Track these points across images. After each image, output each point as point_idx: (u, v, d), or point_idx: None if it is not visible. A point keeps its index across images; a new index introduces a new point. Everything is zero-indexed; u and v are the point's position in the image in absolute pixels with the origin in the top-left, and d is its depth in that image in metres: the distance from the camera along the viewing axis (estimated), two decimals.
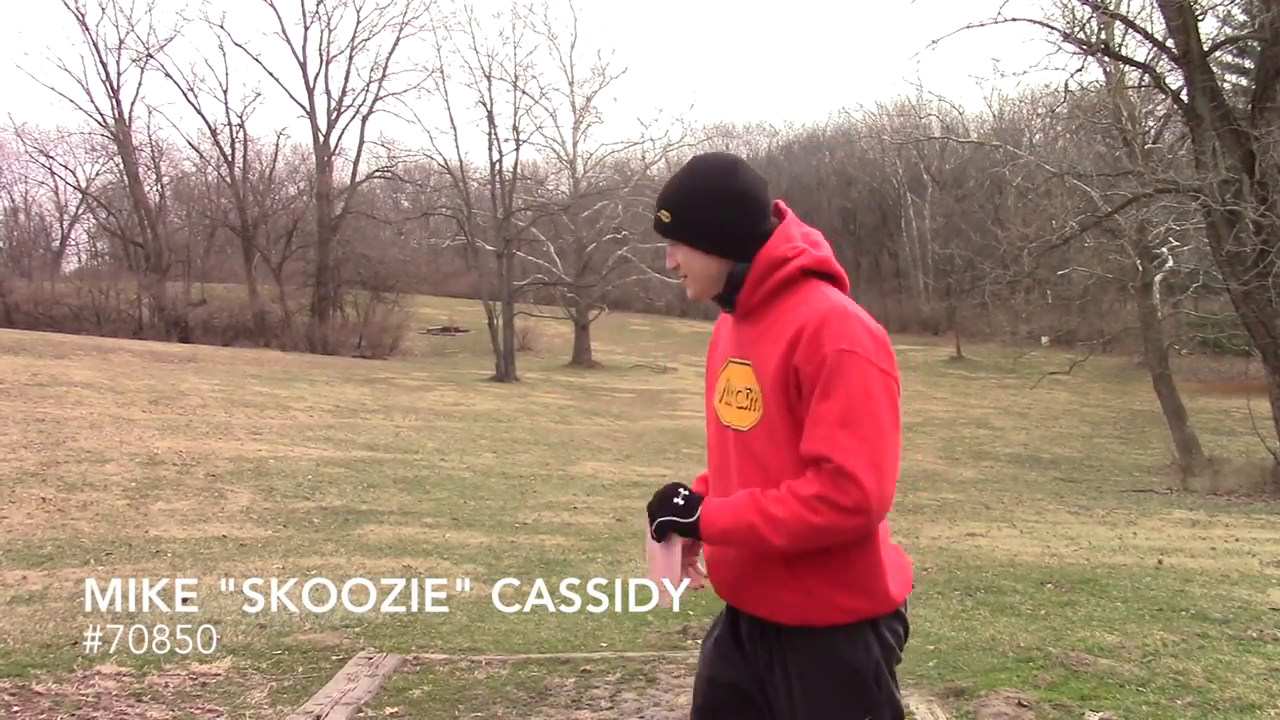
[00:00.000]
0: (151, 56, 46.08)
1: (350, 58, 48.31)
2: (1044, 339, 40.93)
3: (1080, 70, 23.76)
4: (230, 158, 48.07)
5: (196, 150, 50.79)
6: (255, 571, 7.58)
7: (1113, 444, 27.29)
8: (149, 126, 68.66)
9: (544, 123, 54.50)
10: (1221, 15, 20.93)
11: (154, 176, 51.14)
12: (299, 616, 6.11)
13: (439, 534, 9.73)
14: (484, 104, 39.46)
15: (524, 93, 40.47)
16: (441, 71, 45.29)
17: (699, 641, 5.66)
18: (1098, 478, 20.98)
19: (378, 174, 54.41)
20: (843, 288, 2.39)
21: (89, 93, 76.11)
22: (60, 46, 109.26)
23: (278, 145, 52.15)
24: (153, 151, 50.28)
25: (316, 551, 8.54)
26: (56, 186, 55.22)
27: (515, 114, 40.26)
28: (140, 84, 76.90)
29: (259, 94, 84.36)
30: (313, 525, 9.99)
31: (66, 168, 53.29)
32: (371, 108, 48.63)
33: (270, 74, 76.97)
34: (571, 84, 45.59)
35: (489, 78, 39.51)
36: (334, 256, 47.03)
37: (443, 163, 44.01)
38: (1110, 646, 5.38)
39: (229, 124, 48.06)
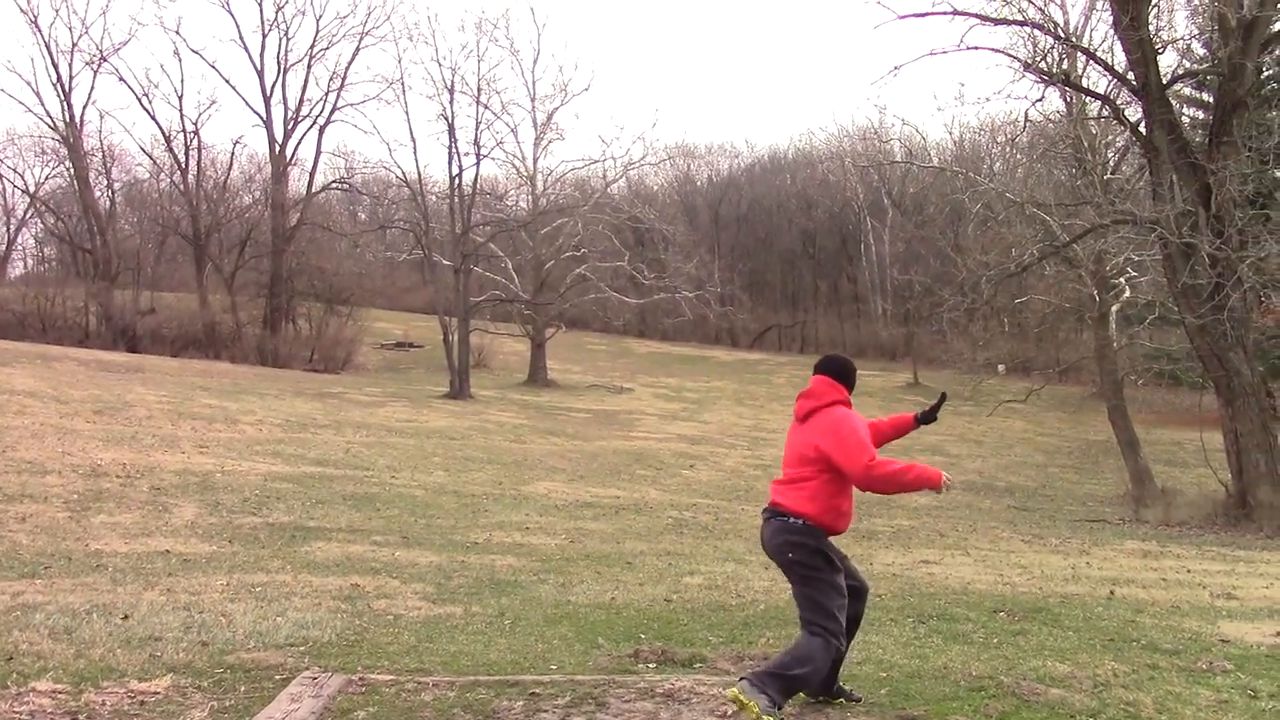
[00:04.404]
0: (105, 60, 45.67)
1: (308, 66, 48.04)
2: (1001, 367, 41.41)
3: (1041, 100, 24.20)
4: (184, 165, 47.62)
5: (149, 156, 50.36)
6: (199, 587, 7.50)
7: (1067, 473, 27.56)
8: (101, 131, 68.17)
9: (505, 138, 54.73)
10: (1181, 49, 21.35)
11: (105, 182, 50.70)
12: (242, 634, 6.05)
13: (388, 552, 9.66)
14: (445, 117, 39.34)
15: (486, 107, 40.43)
16: (402, 83, 44.93)
17: (650, 665, 5.66)
18: (1052, 507, 21.18)
19: (334, 185, 54.20)
20: None
21: (39, 95, 75.49)
22: (10, 48, 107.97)
23: (233, 154, 51.96)
24: (104, 157, 49.85)
25: (262, 568, 8.46)
26: (4, 190, 54.59)
27: (476, 128, 40.14)
28: (93, 88, 76.28)
29: (214, 101, 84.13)
30: (259, 541, 9.89)
31: (15, 171, 52.77)
32: (329, 118, 48.44)
33: (226, 81, 76.83)
34: (533, 99, 45.69)
35: (451, 90, 39.45)
36: (288, 268, 46.68)
37: (401, 175, 43.89)
38: (1062, 676, 5.42)
39: (183, 131, 47.60)
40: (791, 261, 68.87)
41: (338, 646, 5.93)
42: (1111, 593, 8.90)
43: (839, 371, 5.10)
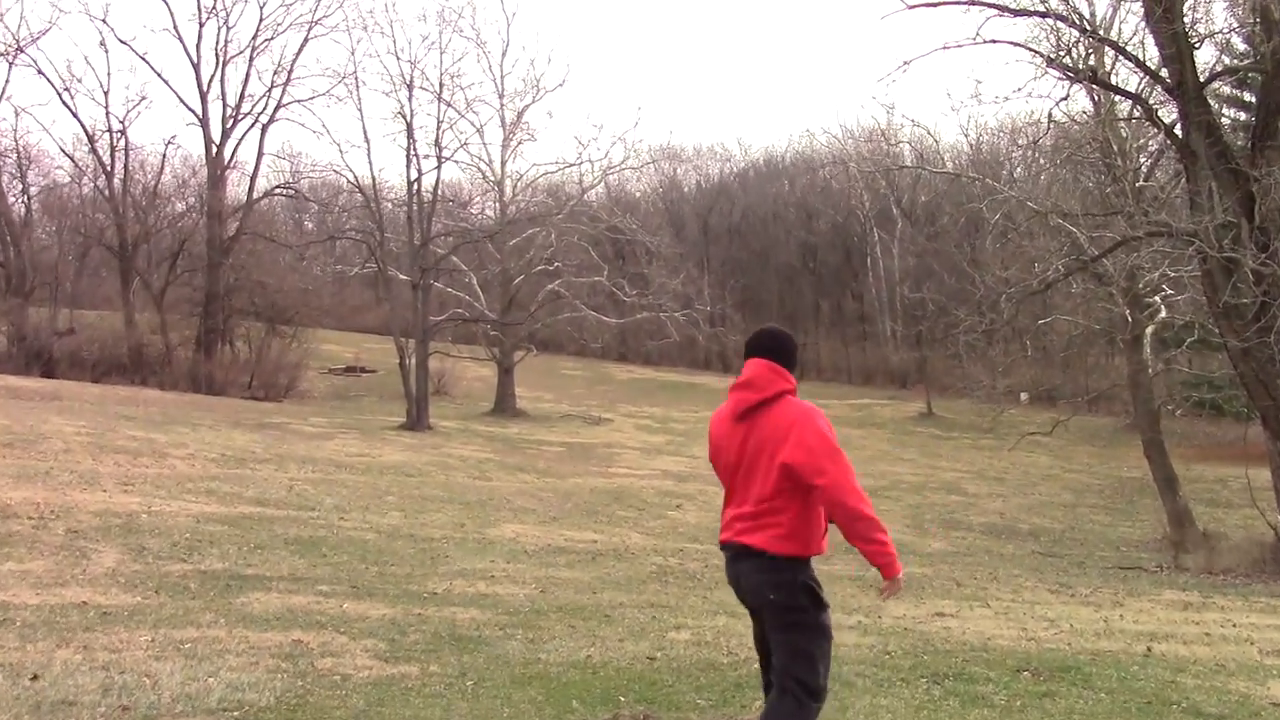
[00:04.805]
0: (22, 51, 45.56)
1: (250, 59, 48.08)
2: (1023, 396, 41.56)
3: (1066, 99, 24.33)
4: (109, 168, 47.42)
5: (70, 158, 50.32)
6: (120, 644, 7.41)
7: (1098, 514, 27.64)
8: (16, 130, 67.53)
9: (470, 139, 54.60)
10: (1220, 44, 21.48)
11: (20, 187, 50.54)
12: (169, 697, 5.98)
13: (335, 604, 9.59)
14: (403, 115, 39.39)
15: (448, 104, 40.51)
16: (356, 77, 44.77)
17: None
18: (1081, 552, 21.22)
19: (278, 191, 54.24)
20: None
21: None
22: None
23: (164, 156, 51.53)
24: (19, 158, 49.66)
25: (192, 622, 8.38)
26: None
27: (438, 128, 40.18)
28: (7, 81, 75.39)
29: (144, 97, 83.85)
30: (189, 591, 9.80)
31: None
32: (273, 116, 48.49)
33: (158, 75, 76.81)
34: (501, 96, 45.77)
35: (409, 86, 39.48)
36: (225, 283, 46.59)
37: (353, 180, 43.84)
38: None
39: (109, 130, 47.42)
40: (790, 277, 69.15)
41: (277, 712, 5.86)
42: (1149, 649, 8.89)
43: (782, 350, 4.91)
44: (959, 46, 18.66)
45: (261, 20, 48.48)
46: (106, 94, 68.55)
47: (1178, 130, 18.44)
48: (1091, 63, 20.10)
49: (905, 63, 19.47)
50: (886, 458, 36.41)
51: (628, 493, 24.24)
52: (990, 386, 32.80)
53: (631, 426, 41.56)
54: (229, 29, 48.36)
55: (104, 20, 68.12)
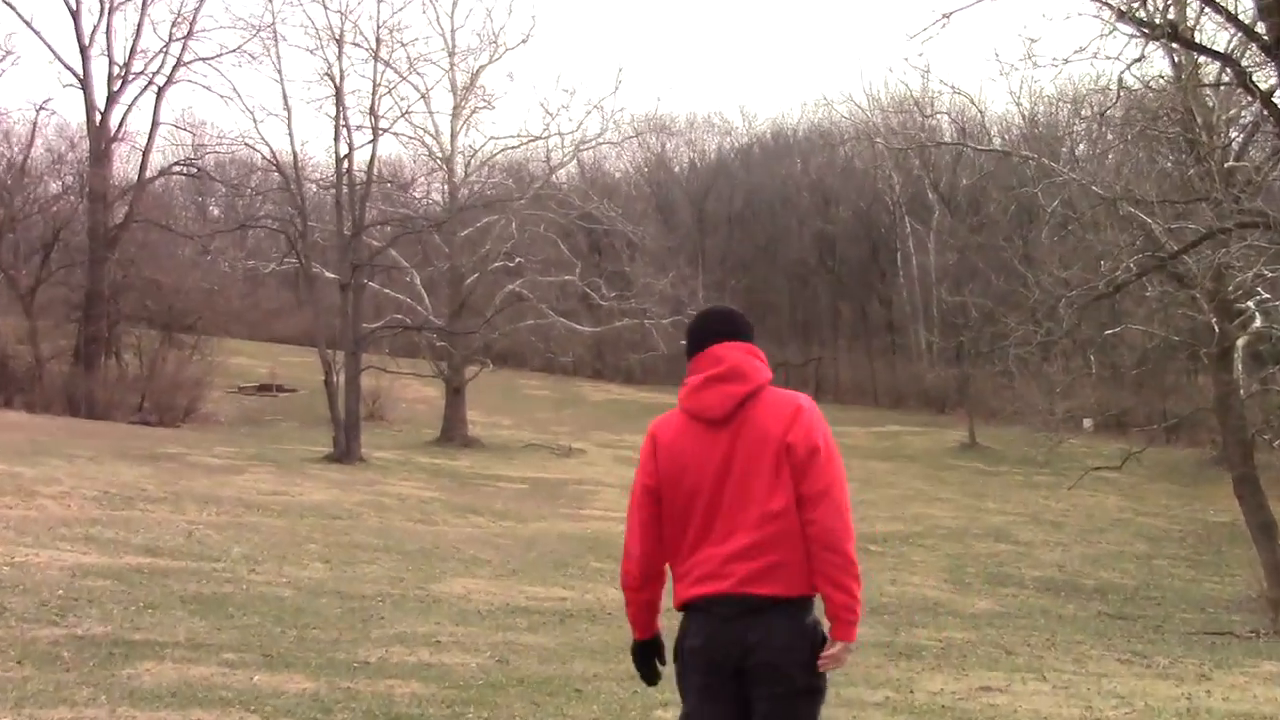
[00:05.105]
0: None
1: (143, 6, 47.88)
2: (1087, 422, 41.55)
3: (1140, 60, 24.31)
4: None
5: None
6: None
7: (1178, 567, 27.67)
8: None
9: (413, 106, 54.26)
10: None
11: None
12: None
13: (244, 676, 9.57)
14: (331, 77, 39.33)
15: (387, 64, 40.54)
16: (274, 30, 44.53)
17: None
18: (1158, 614, 21.23)
19: (177, 169, 53.88)
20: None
21: None
22: None
23: (35, 124, 51.19)
24: None
25: (65, 700, 8.33)
26: None
27: (373, 92, 40.14)
28: None
29: (9, 52, 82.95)
30: (62, 662, 9.75)
31: None
32: (171, 77, 48.27)
33: (27, 24, 75.97)
34: (452, 55, 45.83)
35: (339, 42, 39.46)
36: (110, 281, 46.37)
37: (269, 156, 43.58)
38: None
39: None
40: (803, 277, 69.29)
41: None
42: None
43: (748, 331, 4.83)
44: None
45: None
46: None
47: (1277, 98, 18.49)
48: (1172, 16, 20.15)
49: (945, 15, 19.50)
50: (920, 498, 36.48)
51: (604, 540, 24.08)
52: (1047, 411, 32.68)
53: (609, 459, 41.47)
54: None
55: None
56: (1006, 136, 52.44)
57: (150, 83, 48.52)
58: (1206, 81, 23.36)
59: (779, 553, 4.46)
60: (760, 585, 4.45)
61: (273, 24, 41.59)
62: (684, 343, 4.87)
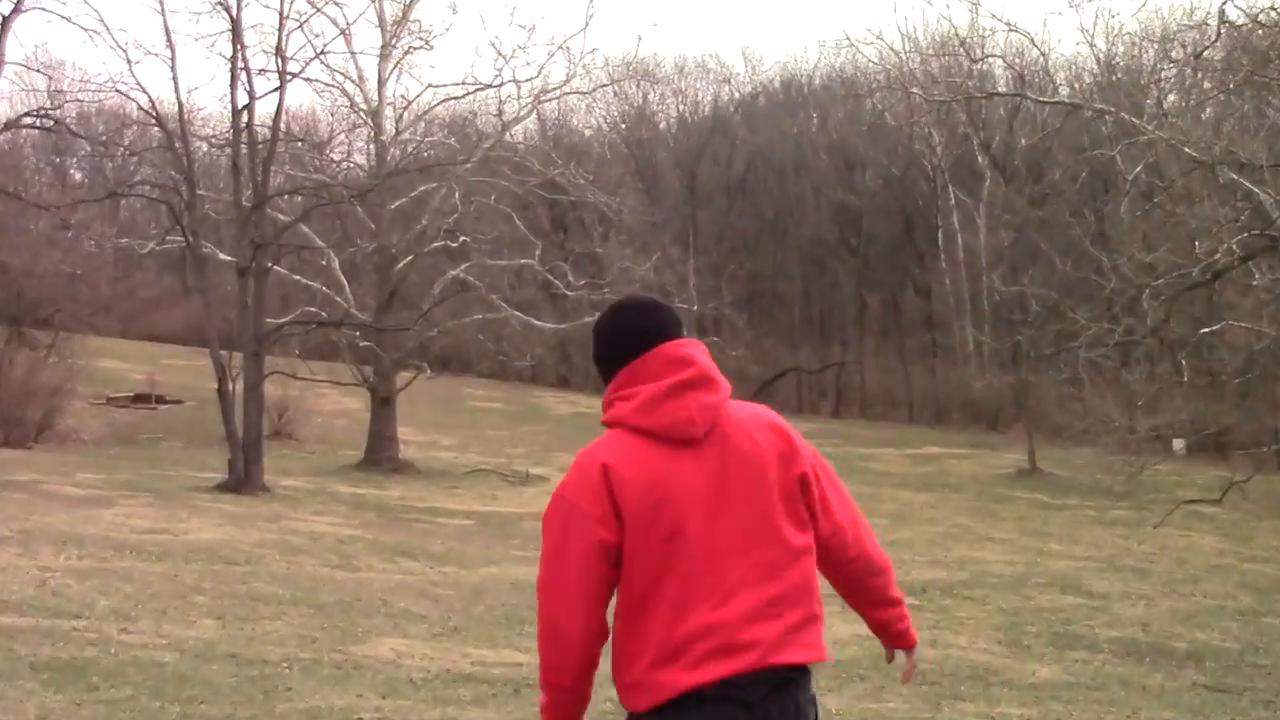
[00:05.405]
0: None
1: None
2: (1178, 443, 41.47)
3: None
4: None
5: None
6: None
7: None
8: None
9: (330, 45, 53.85)
10: None
11: None
12: None
13: None
14: (225, 6, 38.95)
15: None
16: None
17: None
18: (1269, 686, 21.03)
19: (29, 121, 53.48)
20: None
21: None
22: None
23: None
24: None
25: None
26: None
27: (280, 27, 39.62)
28: None
29: None
30: None
31: None
32: (19, 4, 47.91)
33: None
34: None
35: None
36: None
37: (148, 106, 42.94)
38: None
39: None
40: (820, 260, 69.59)
41: None
42: None
43: (679, 322, 4.65)
44: None
45: None
46: None
47: None
48: None
49: None
50: (967, 537, 36.35)
51: None
52: (1126, 429, 32.71)
53: None
54: None
55: None
56: (1076, 85, 52.52)
57: None
58: None
59: (807, 605, 4.35)
60: (790, 652, 4.28)
61: None
62: (603, 347, 4.62)
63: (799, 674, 4.31)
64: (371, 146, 47.70)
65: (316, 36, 43.17)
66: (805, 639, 4.31)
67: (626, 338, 4.53)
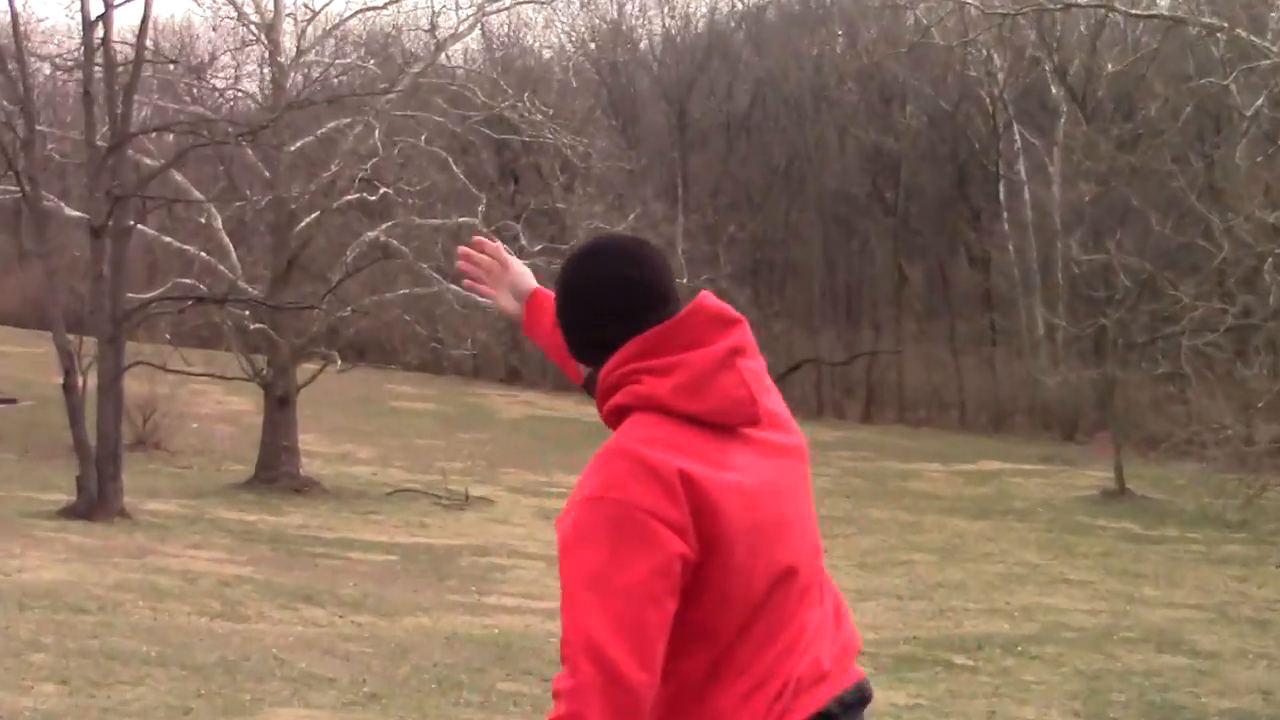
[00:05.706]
0: None
1: None
2: None
3: None
4: None
5: None
6: None
7: None
8: None
9: None
10: None
11: None
12: None
13: None
14: None
15: None
16: None
17: None
18: None
19: None
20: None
21: None
22: None
23: None
24: None
25: None
26: None
27: None
28: None
29: None
30: None
31: None
32: None
33: None
34: None
35: None
36: None
37: None
38: None
39: None
40: (846, 221, 70.02)
41: None
42: None
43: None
44: None
45: None
46: None
47: None
48: None
49: None
50: (1036, 577, 36.38)
51: (521, 645, 23.64)
52: (1241, 440, 32.64)
53: (529, 512, 42.35)
54: None
55: None
56: None
57: None
58: None
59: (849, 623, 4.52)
60: (855, 670, 4.47)
61: None
62: (614, 299, 4.28)
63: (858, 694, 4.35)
64: (266, 70, 47.38)
65: None
66: (855, 650, 4.45)
67: (639, 289, 4.35)
